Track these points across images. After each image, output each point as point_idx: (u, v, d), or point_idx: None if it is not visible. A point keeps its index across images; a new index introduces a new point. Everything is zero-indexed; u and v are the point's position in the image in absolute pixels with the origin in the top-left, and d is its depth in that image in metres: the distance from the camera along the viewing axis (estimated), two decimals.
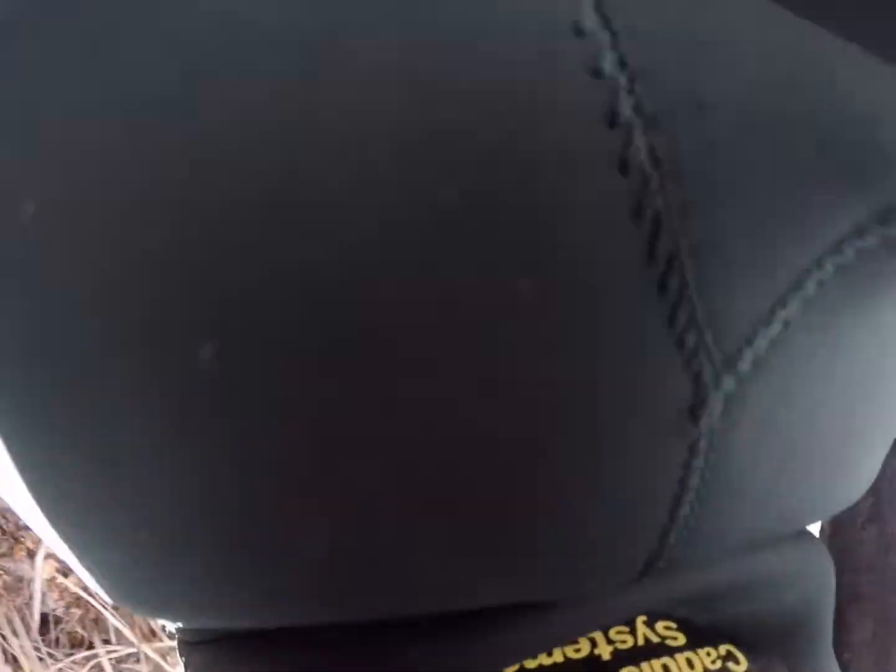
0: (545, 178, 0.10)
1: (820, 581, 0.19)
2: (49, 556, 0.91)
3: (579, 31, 0.10)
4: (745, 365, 0.11)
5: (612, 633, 0.16)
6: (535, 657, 0.16)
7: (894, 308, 0.13)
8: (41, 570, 0.91)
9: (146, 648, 0.95)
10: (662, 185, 0.10)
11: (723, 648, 0.17)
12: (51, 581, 0.92)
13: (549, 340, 0.10)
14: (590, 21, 0.10)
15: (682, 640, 0.16)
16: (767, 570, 0.17)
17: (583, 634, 0.16)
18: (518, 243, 0.10)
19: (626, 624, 0.16)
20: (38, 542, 0.90)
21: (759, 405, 0.12)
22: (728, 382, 0.11)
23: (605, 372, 0.11)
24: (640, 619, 0.16)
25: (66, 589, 0.93)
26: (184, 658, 0.17)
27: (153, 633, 0.98)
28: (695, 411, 0.11)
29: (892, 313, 0.13)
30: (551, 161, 0.10)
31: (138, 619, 0.97)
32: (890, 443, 0.17)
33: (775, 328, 0.11)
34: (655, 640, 0.16)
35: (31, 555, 0.90)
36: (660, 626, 0.16)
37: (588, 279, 0.10)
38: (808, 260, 0.11)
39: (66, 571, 0.93)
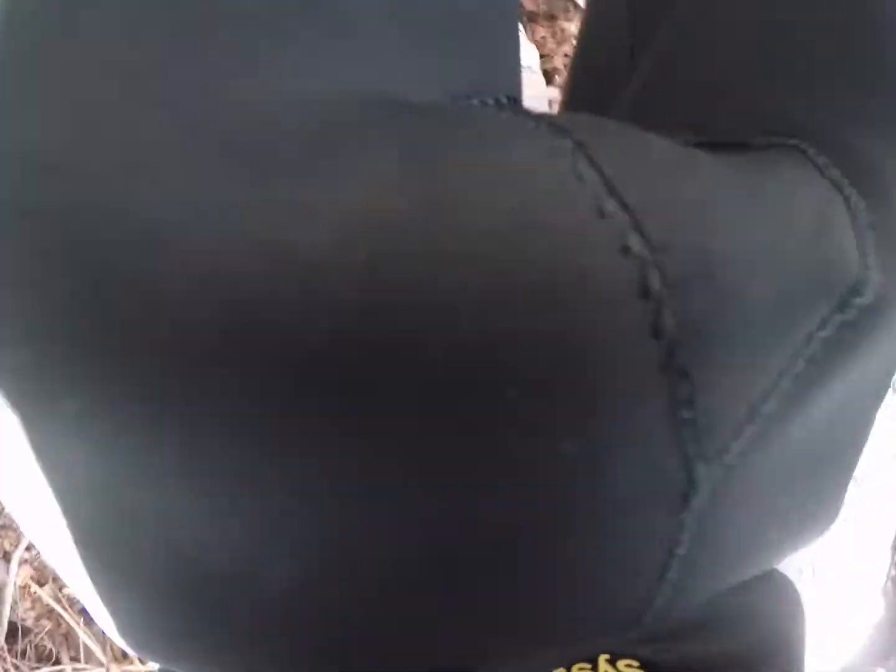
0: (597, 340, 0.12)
1: (784, 618, 0.21)
2: (25, 561, 0.89)
3: (602, 213, 0.12)
4: (731, 458, 0.13)
5: (574, 669, 0.17)
6: None
7: (847, 376, 0.15)
8: (15, 576, 0.87)
9: (116, 670, 0.91)
10: (684, 342, 0.12)
11: None
12: (24, 588, 0.88)
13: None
14: (610, 205, 0.12)
15: None
16: (727, 610, 0.19)
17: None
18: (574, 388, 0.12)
19: (588, 661, 0.18)
20: (15, 544, 0.87)
21: (740, 485, 0.14)
22: (717, 471, 0.13)
23: (621, 465, 0.13)
24: (603, 657, 0.18)
25: (40, 599, 0.90)
26: None
27: (125, 655, 0.94)
28: (687, 496, 0.13)
29: (844, 381, 0.15)
30: (600, 327, 0.12)
31: (110, 639, 0.93)
32: (850, 479, 0.19)
33: (758, 423, 0.14)
34: None
35: (7, 558, 0.87)
36: (621, 664, 0.18)
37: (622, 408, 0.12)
38: (784, 361, 0.14)
39: (41, 581, 0.90)
